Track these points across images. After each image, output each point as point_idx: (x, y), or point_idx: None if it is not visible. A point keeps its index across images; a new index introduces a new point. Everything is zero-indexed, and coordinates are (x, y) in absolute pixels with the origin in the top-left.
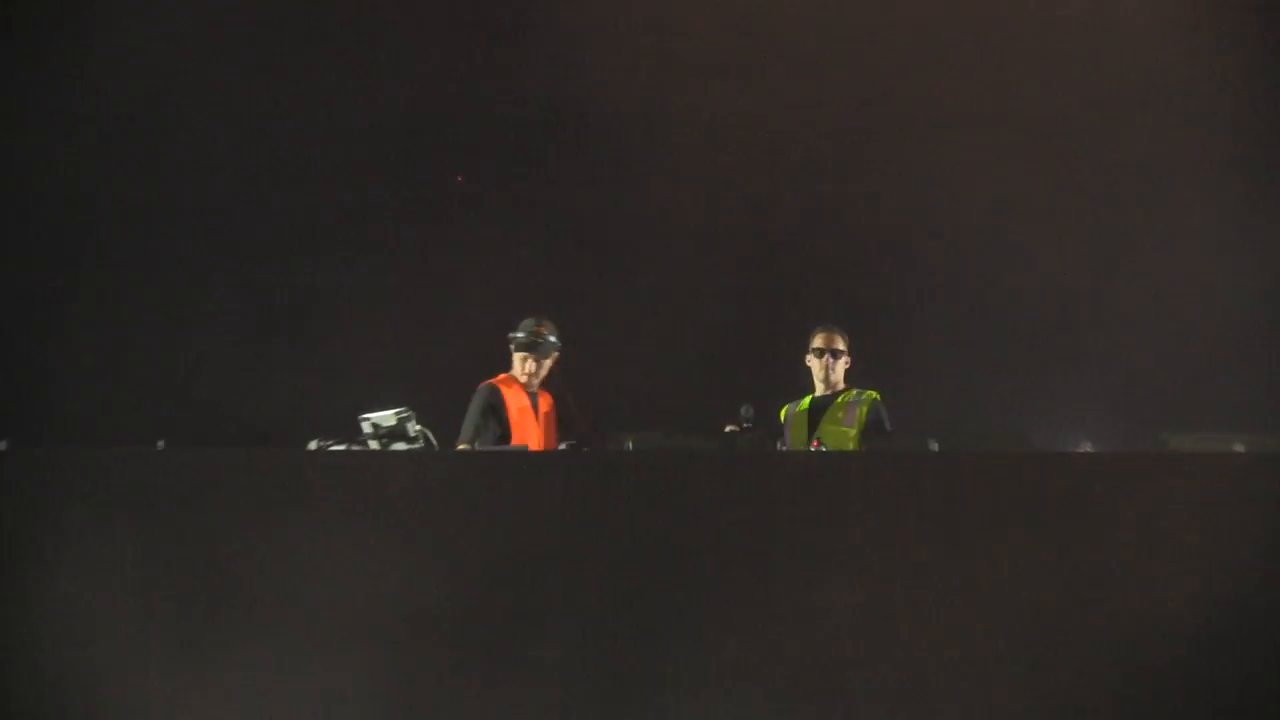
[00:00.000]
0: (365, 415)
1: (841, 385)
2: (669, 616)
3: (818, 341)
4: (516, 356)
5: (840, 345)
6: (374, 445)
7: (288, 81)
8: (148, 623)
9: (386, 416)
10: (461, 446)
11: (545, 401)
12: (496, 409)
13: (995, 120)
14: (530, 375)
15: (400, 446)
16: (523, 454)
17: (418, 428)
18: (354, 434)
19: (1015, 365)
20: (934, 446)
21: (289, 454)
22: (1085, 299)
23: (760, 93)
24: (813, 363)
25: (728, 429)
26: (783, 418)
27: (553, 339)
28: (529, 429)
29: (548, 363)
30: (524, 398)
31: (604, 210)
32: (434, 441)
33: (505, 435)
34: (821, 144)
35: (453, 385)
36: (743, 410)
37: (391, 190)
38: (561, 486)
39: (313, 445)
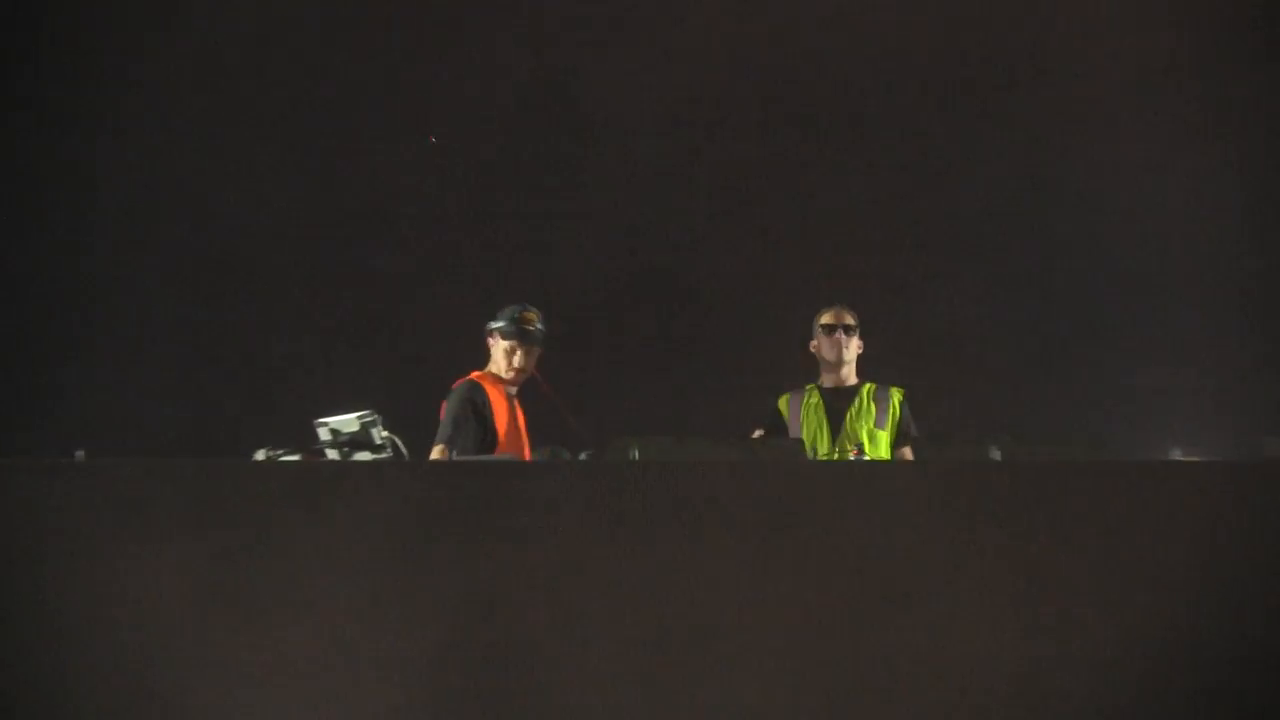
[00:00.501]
0: (323, 419)
1: (854, 372)
2: (692, 663)
3: (827, 318)
4: (500, 348)
5: (851, 320)
6: (333, 454)
7: (226, 81)
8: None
9: (348, 421)
10: (437, 452)
11: (519, 404)
12: (480, 409)
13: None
14: (519, 370)
15: (364, 456)
16: (516, 464)
17: (384, 433)
18: (309, 441)
19: (1085, 360)
20: (996, 455)
21: (232, 464)
22: (1168, 288)
23: (763, 80)
24: (822, 342)
25: (757, 434)
26: (784, 409)
27: (542, 327)
28: (516, 435)
29: (535, 357)
30: (506, 404)
31: (601, 199)
32: (404, 450)
33: (490, 440)
34: (839, 131)
35: (426, 384)
36: (779, 398)
37: (377, 181)
38: (559, 503)
39: (260, 454)
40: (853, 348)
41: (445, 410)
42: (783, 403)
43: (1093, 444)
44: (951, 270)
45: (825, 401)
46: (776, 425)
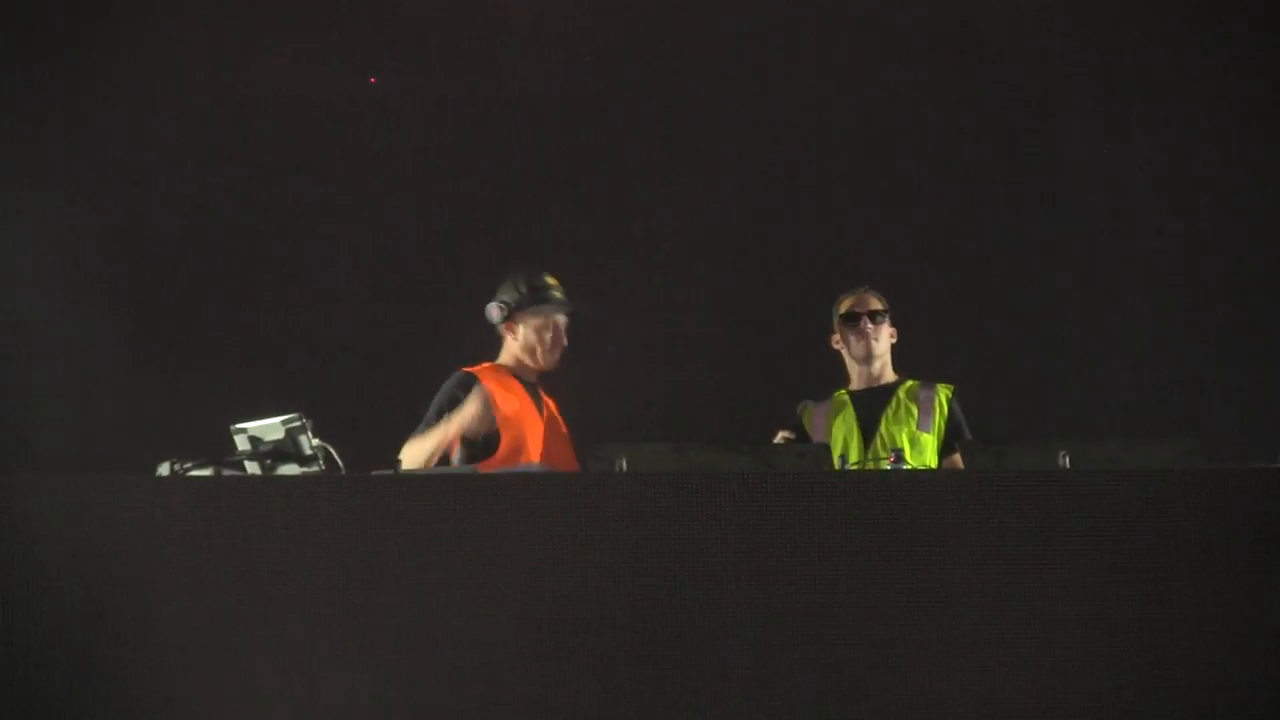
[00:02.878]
0: (240, 425)
1: (889, 367)
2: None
3: (847, 306)
4: (525, 327)
5: (878, 305)
6: (253, 467)
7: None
8: None
9: (270, 426)
10: (411, 448)
11: (552, 403)
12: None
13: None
14: (548, 350)
15: (290, 469)
16: (473, 476)
17: (315, 441)
18: (223, 452)
19: (1181, 352)
20: (1065, 462)
21: (122, 481)
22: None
23: (771, 88)
24: (846, 337)
25: (779, 437)
26: (806, 420)
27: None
28: (529, 433)
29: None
30: (518, 393)
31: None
32: (339, 461)
33: (489, 442)
34: (849, 119)
35: (364, 383)
36: (800, 409)
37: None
38: (531, 523)
39: (164, 469)
40: (884, 338)
41: (434, 402)
42: (805, 416)
43: (1189, 447)
44: (995, 256)
45: (855, 405)
46: (803, 438)
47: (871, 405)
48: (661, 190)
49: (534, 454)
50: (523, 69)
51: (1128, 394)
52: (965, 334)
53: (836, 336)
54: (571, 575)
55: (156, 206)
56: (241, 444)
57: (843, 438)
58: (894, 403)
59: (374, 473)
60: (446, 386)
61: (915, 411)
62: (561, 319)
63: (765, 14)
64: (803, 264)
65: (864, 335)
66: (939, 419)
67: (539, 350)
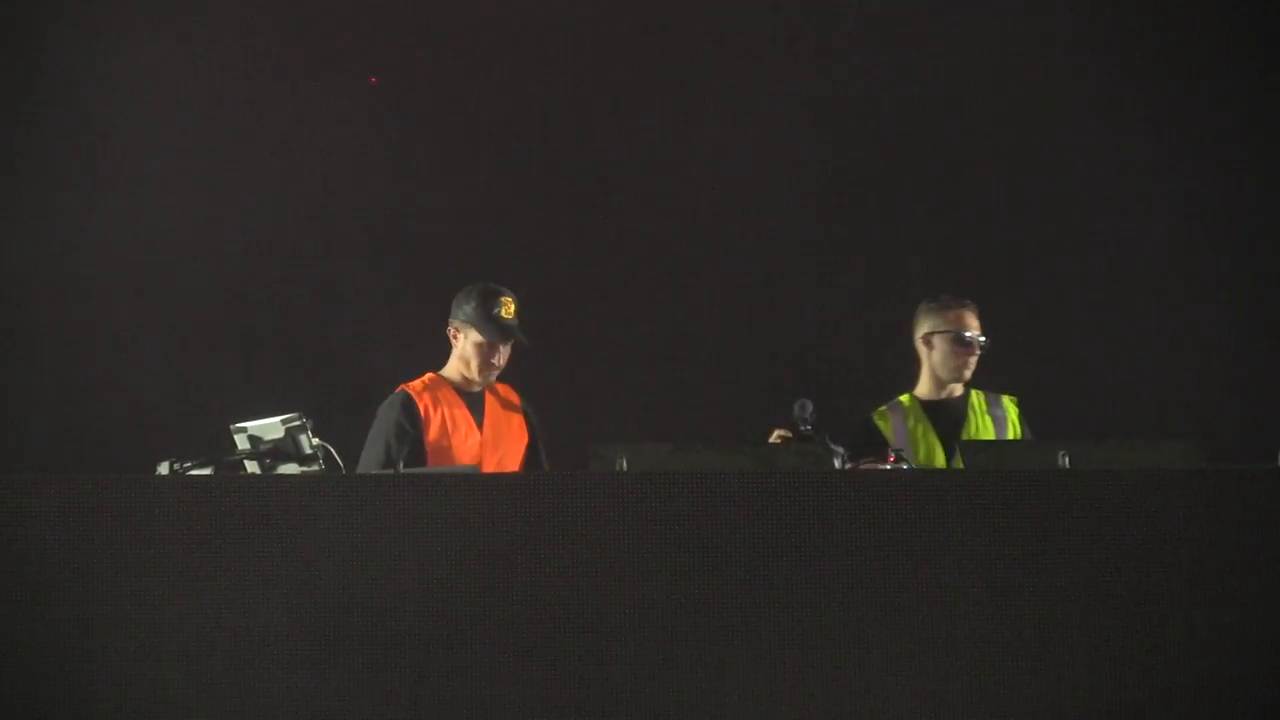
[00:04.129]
0: (240, 424)
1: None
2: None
3: (948, 322)
4: (469, 342)
5: (977, 326)
6: (253, 467)
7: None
8: None
9: (270, 425)
10: None
11: (505, 396)
12: (407, 432)
13: None
14: (493, 370)
15: (290, 468)
16: (475, 477)
17: (315, 441)
18: (224, 451)
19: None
20: (1065, 462)
21: (126, 480)
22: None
23: (770, 85)
24: (940, 350)
25: (775, 435)
26: (884, 426)
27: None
28: (467, 446)
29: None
30: (463, 411)
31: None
32: (339, 461)
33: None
34: (849, 122)
35: (362, 382)
36: (797, 408)
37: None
38: (525, 524)
39: (163, 468)
40: (973, 364)
41: (370, 437)
42: (881, 422)
43: (1189, 448)
44: (994, 257)
45: (930, 417)
46: (873, 442)
47: (948, 418)
48: (661, 189)
49: (469, 457)
50: (521, 67)
51: (1128, 394)
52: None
53: (927, 345)
54: (573, 574)
55: (155, 207)
56: (241, 443)
57: (925, 452)
58: (971, 417)
59: (374, 471)
60: (386, 413)
61: (991, 427)
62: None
63: (766, 10)
64: (804, 264)
65: (965, 362)
66: (1012, 435)
67: (472, 365)
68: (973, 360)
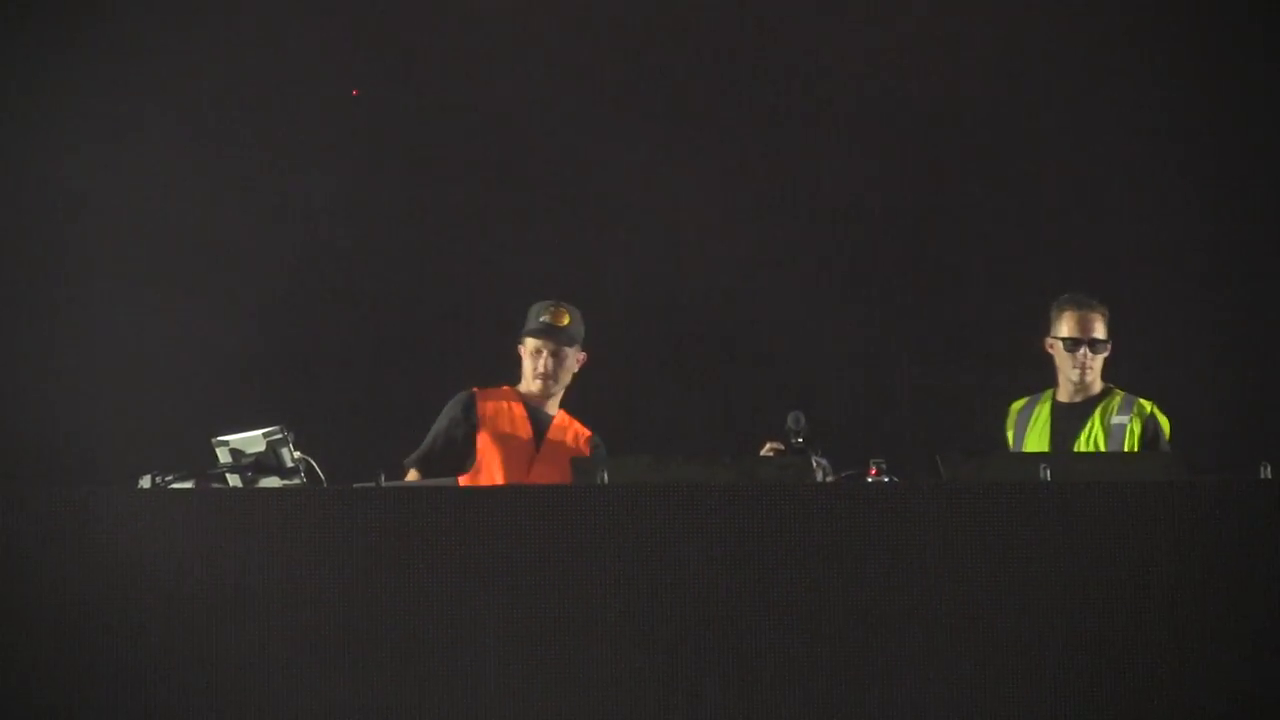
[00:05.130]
0: (222, 437)
1: (1098, 386)
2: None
3: (1067, 326)
4: (526, 351)
5: (1100, 332)
6: (234, 480)
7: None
8: None
9: (252, 439)
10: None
11: (571, 433)
12: (459, 425)
13: None
14: (544, 376)
15: (272, 481)
16: (454, 491)
17: (297, 454)
18: (205, 464)
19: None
20: (1046, 475)
21: (109, 492)
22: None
23: (755, 97)
24: (1056, 354)
25: (767, 448)
26: (1010, 422)
27: (578, 326)
28: (519, 464)
29: (571, 361)
30: (523, 421)
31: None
32: (321, 474)
33: (460, 459)
34: (844, 130)
35: (349, 395)
36: (790, 419)
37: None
38: (507, 541)
39: (145, 481)
40: (1098, 366)
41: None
42: (1010, 417)
43: (1171, 459)
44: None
45: (1054, 420)
46: (1002, 439)
47: (1068, 425)
48: (643, 201)
49: (498, 478)
50: (510, 76)
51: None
52: (952, 345)
53: (1055, 347)
54: (552, 587)
55: (138, 218)
56: (223, 456)
57: (1035, 445)
58: (1089, 426)
59: (355, 485)
60: (449, 408)
61: (1103, 439)
62: (563, 352)
63: (764, 11)
64: (789, 274)
65: (1081, 364)
66: (1128, 447)
67: (528, 377)
68: (1089, 364)
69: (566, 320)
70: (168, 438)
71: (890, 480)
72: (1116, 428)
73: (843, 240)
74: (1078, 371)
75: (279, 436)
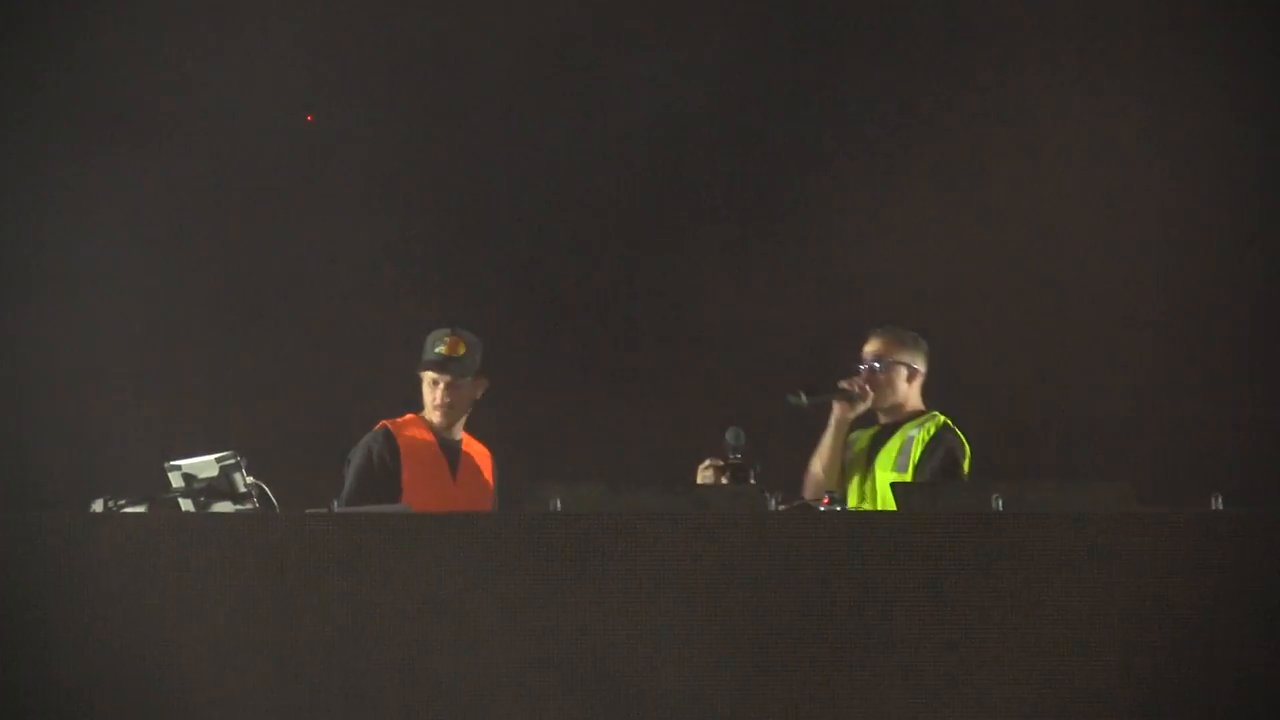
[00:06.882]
0: (174, 462)
1: (911, 408)
2: None
3: (864, 348)
4: (424, 380)
5: (890, 351)
6: (187, 505)
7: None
8: None
9: (204, 464)
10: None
11: (478, 455)
12: (386, 466)
13: None
14: (442, 406)
15: (224, 506)
16: (407, 516)
17: (249, 479)
18: (158, 489)
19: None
20: (998, 504)
21: (61, 517)
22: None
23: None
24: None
25: (706, 465)
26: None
27: (474, 355)
28: (436, 493)
29: (469, 390)
30: (433, 448)
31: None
32: (273, 500)
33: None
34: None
35: (301, 419)
36: (729, 434)
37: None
38: (463, 566)
39: (97, 505)
40: (897, 385)
41: (352, 469)
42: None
43: (1122, 491)
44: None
45: (872, 441)
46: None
47: (875, 445)
48: (596, 224)
49: (421, 505)
50: (461, 103)
51: (1060, 435)
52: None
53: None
54: (503, 615)
55: (92, 240)
56: (176, 481)
57: (851, 471)
58: (889, 443)
59: (308, 511)
60: (360, 452)
61: (894, 455)
62: (459, 383)
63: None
64: (743, 297)
65: (867, 382)
66: (913, 459)
67: (429, 407)
68: (872, 380)
69: (462, 349)
70: (119, 462)
71: (841, 509)
72: (908, 440)
73: (789, 257)
74: (867, 388)
75: (232, 461)
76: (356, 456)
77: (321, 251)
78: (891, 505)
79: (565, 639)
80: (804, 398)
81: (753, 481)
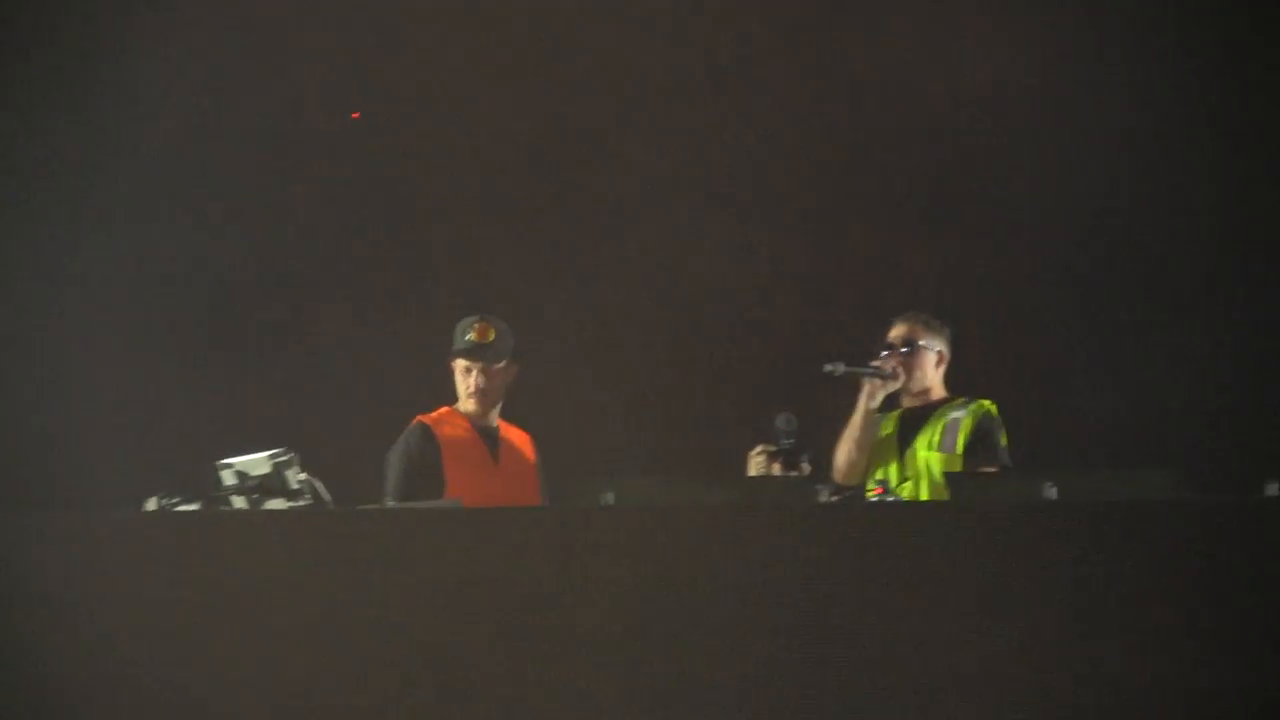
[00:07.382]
0: (227, 460)
1: (937, 392)
2: None
3: (889, 334)
4: (456, 370)
5: (918, 335)
6: (240, 502)
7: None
8: None
9: (257, 461)
10: None
11: (516, 438)
12: (428, 461)
13: None
14: (476, 394)
15: (277, 504)
16: (460, 511)
17: (302, 476)
18: (210, 487)
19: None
20: (1052, 493)
21: (115, 516)
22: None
23: (742, 110)
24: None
25: (758, 451)
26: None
27: (505, 341)
28: (481, 482)
29: (502, 376)
30: (471, 437)
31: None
32: (325, 495)
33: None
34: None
35: (352, 415)
36: (779, 420)
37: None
38: (512, 562)
39: (151, 504)
40: (927, 370)
41: (387, 468)
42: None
43: (1175, 479)
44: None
45: (900, 423)
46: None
47: (911, 425)
48: (640, 218)
49: (466, 499)
50: (497, 101)
51: (1113, 424)
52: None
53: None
54: (556, 609)
55: (142, 243)
56: (228, 479)
57: (880, 456)
58: (929, 424)
59: (360, 507)
60: (396, 450)
61: (939, 436)
62: (492, 369)
63: (741, 22)
64: (785, 289)
65: (898, 366)
66: (961, 440)
67: (460, 393)
68: (904, 364)
69: (492, 336)
70: (174, 460)
71: (894, 499)
72: (951, 423)
73: (839, 237)
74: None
75: (285, 458)
76: (395, 455)
77: (369, 248)
78: (938, 479)
79: (613, 636)
80: (842, 367)
81: (805, 466)
